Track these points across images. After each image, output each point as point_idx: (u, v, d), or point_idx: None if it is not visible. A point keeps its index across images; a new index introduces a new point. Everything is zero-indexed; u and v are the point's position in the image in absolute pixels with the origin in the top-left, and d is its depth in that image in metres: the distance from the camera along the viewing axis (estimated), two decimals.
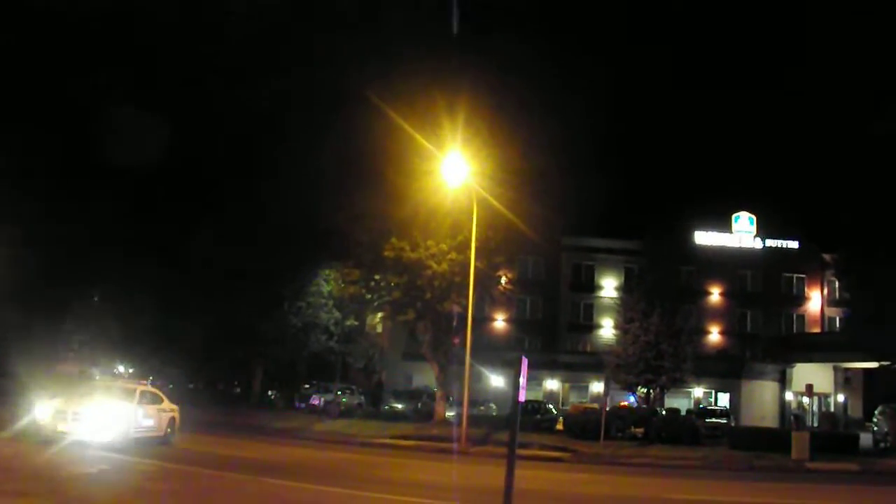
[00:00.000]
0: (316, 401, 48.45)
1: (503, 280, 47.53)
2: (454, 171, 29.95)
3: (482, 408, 49.08)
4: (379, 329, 60.42)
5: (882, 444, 40.95)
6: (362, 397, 54.04)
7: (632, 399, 51.32)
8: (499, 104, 36.30)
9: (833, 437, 39.73)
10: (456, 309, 39.63)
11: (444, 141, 31.66)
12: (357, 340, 57.70)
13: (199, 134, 46.70)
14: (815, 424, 51.30)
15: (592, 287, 73.28)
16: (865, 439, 40.76)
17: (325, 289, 50.03)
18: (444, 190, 33.39)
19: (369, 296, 43.63)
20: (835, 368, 59.47)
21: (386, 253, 39.66)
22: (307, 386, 52.69)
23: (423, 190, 35.10)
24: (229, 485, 17.28)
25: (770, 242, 74.10)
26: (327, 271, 48.87)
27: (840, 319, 73.18)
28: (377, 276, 42.33)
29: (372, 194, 38.39)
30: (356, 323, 53.69)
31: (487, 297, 46.82)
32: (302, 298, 50.13)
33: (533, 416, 45.60)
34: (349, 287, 44.20)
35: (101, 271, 48.73)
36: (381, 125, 35.22)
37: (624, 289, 62.89)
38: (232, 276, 47.59)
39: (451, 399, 45.56)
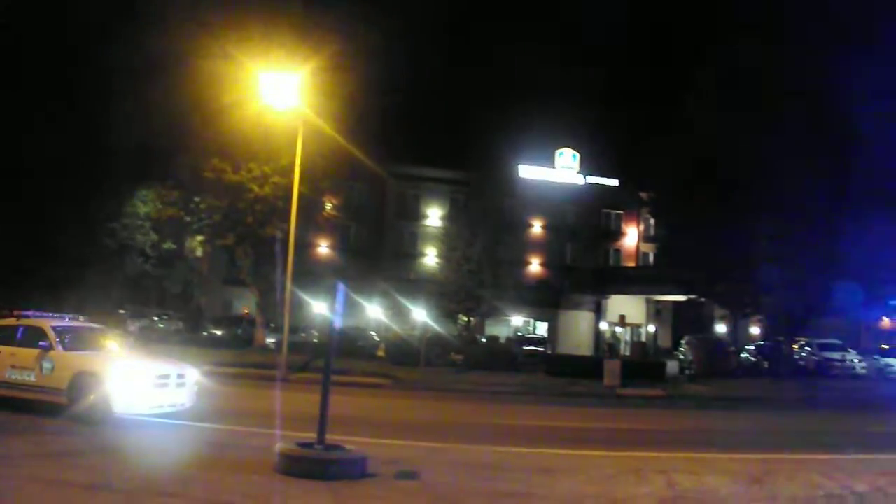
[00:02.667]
0: (130, 328, 46.77)
1: (328, 206, 46.92)
2: (280, 93, 28.98)
3: (303, 335, 48.52)
4: (198, 253, 58.66)
5: (687, 372, 43.07)
6: (180, 323, 52.55)
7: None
8: (333, 31, 35.34)
9: (643, 364, 41.34)
10: (278, 234, 38.76)
11: (272, 63, 30.61)
12: (175, 264, 55.90)
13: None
14: (627, 353, 53.30)
15: (417, 215, 73.49)
16: (672, 367, 42.66)
17: (142, 210, 47.98)
18: (269, 112, 32.38)
19: (188, 218, 42.24)
20: (647, 300, 61.88)
21: (206, 174, 38.34)
22: (121, 311, 50.77)
23: (248, 111, 33.94)
24: None
25: (591, 179, 76.03)
26: (145, 191, 46.81)
27: (653, 255, 76.12)
28: (197, 198, 41.02)
29: (193, 113, 36.84)
30: (174, 246, 51.82)
31: (311, 222, 46.01)
32: (117, 219, 47.95)
33: (354, 343, 45.56)
34: (167, 209, 42.70)
35: None
36: (208, 43, 33.84)
37: (448, 218, 63.41)
38: (43, 195, 44.98)
39: (271, 326, 44.92)
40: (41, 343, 15.74)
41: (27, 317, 17.08)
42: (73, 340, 16.31)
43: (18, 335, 16.31)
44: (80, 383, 15.04)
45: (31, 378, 15.59)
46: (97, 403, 14.80)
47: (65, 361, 15.47)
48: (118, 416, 14.70)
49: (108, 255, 47.69)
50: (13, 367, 15.83)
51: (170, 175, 41.98)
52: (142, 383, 15.18)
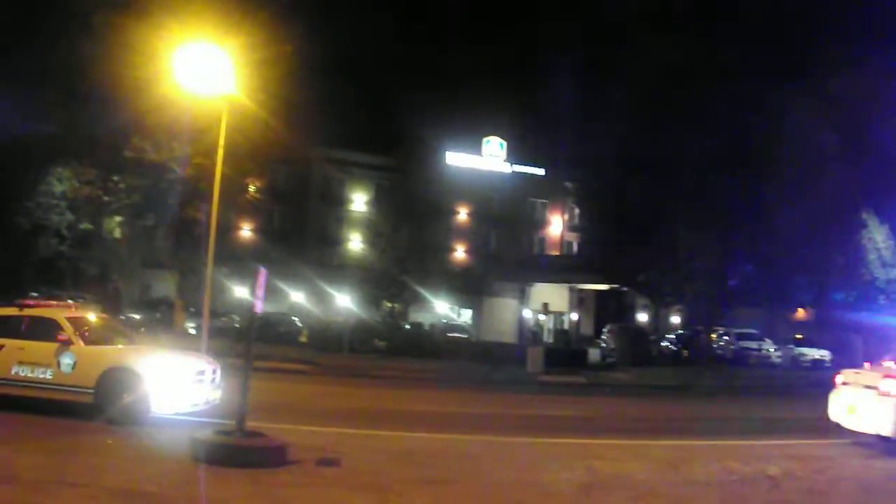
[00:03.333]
0: None
1: (251, 188, 46.31)
2: (205, 72, 28.43)
3: (224, 319, 47.94)
4: (117, 234, 57.39)
5: (608, 359, 43.62)
6: (97, 306, 51.48)
7: None
8: (261, 10, 34.75)
9: (565, 352, 41.74)
10: (200, 216, 38.12)
11: (196, 40, 29.96)
12: (92, 246, 54.67)
13: None
14: (550, 340, 53.78)
15: (343, 200, 73.04)
16: (594, 354, 43.21)
17: (58, 188, 46.75)
18: (193, 92, 31.75)
19: (107, 198, 41.24)
20: (570, 289, 62.47)
21: (126, 153, 37.49)
22: (35, 294, 49.51)
23: (170, 90, 33.22)
24: None
25: (517, 168, 76.33)
26: (61, 170, 45.60)
27: (577, 244, 76.85)
28: (115, 178, 40.11)
29: (112, 90, 35.94)
30: (91, 227, 50.61)
31: (234, 205, 45.37)
32: (31, 198, 46.66)
33: (277, 329, 45.20)
34: (84, 188, 41.60)
35: None
36: (128, 18, 33.03)
37: (374, 204, 63.20)
38: None
39: (191, 310, 44.25)
40: (59, 337, 14.02)
41: (33, 306, 15.46)
42: (92, 333, 14.79)
43: (25, 327, 14.53)
44: (111, 381, 13.64)
45: (46, 375, 13.87)
46: (134, 402, 13.50)
47: (91, 357, 13.97)
48: (157, 416, 13.62)
49: (21, 235, 46.54)
50: (21, 362, 14.08)
51: (88, 153, 40.91)
52: (182, 380, 14.01)
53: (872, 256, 47.02)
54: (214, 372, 14.78)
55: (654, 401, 26.66)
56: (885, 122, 42.29)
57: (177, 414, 13.88)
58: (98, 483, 9.48)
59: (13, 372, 14.01)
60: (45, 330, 14.31)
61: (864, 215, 46.99)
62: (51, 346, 13.99)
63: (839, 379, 15.44)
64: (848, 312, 48.39)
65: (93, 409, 13.57)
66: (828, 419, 15.16)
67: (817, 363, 47.21)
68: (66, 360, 13.85)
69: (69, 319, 14.53)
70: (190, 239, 38.70)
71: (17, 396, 13.99)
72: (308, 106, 40.75)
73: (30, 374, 13.96)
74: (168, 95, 33.37)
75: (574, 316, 63.81)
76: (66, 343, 13.98)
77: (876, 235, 47.03)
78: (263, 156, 41.60)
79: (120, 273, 60.89)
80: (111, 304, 52.85)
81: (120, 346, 15.02)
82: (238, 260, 46.76)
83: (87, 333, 14.50)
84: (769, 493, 10.74)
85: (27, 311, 14.90)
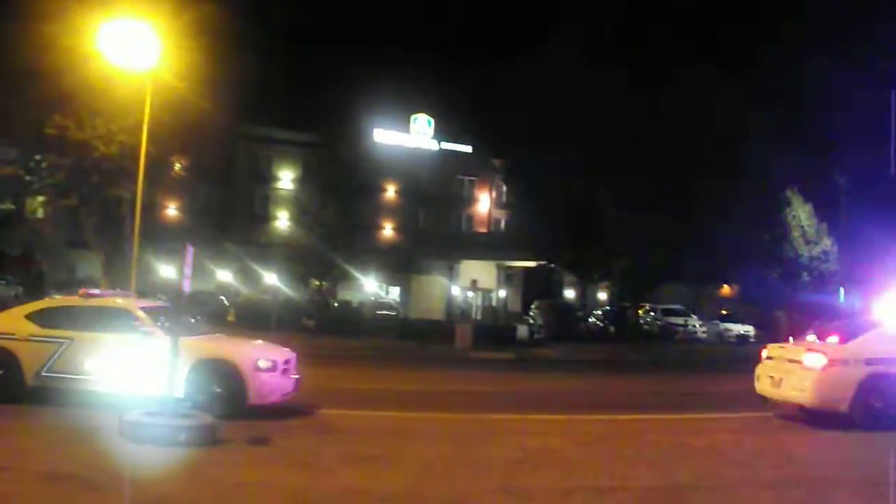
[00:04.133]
0: None
1: (177, 167, 45.56)
2: (129, 47, 27.82)
3: (151, 299, 47.19)
4: (40, 214, 56.19)
5: (536, 336, 43.99)
6: (20, 288, 50.29)
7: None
8: None
9: (494, 329, 41.99)
10: (125, 195, 37.40)
11: (120, 14, 29.28)
12: (14, 226, 53.46)
13: None
14: (479, 317, 54.00)
15: (270, 178, 72.31)
16: (522, 331, 43.52)
17: None
18: (117, 67, 31.04)
19: (29, 178, 40.28)
20: (498, 266, 62.63)
21: (48, 131, 36.60)
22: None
23: (93, 66, 32.46)
24: None
25: (445, 145, 76.27)
26: None
27: (505, 221, 77.20)
28: (38, 157, 39.16)
29: (34, 66, 35.00)
30: (13, 207, 49.57)
31: (159, 183, 44.61)
32: None
33: (204, 308, 44.67)
34: (5, 167, 40.63)
35: None
36: None
37: (302, 181, 62.66)
38: None
39: (117, 290, 43.48)
40: (143, 329, 13.50)
41: (98, 295, 14.71)
42: (169, 324, 13.80)
43: (94, 318, 13.84)
44: (203, 373, 13.16)
45: (127, 369, 13.30)
46: (229, 395, 13.09)
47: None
48: (252, 408, 13.18)
49: None
50: (94, 356, 13.39)
51: (8, 132, 39.86)
52: (276, 370, 13.61)
53: (796, 234, 48.15)
54: (291, 362, 14.34)
55: (581, 376, 26.92)
56: (809, 103, 43.21)
57: (271, 405, 13.53)
58: (24, 466, 9.32)
59: (86, 367, 13.40)
60: (116, 321, 13.85)
61: (789, 194, 48.05)
62: (130, 338, 13.48)
63: (764, 353, 15.79)
64: (772, 289, 49.52)
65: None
66: (753, 392, 15.50)
67: (742, 338, 48.30)
68: (150, 353, 13.18)
69: (143, 310, 14.08)
70: (115, 218, 37.99)
71: (91, 391, 13.44)
72: (235, 83, 40.16)
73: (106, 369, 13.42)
74: (92, 71, 32.63)
75: (502, 293, 64.10)
76: (149, 335, 13.48)
77: (800, 213, 48.13)
78: (189, 133, 40.97)
79: (43, 254, 59.52)
80: (34, 285, 51.76)
81: (208, 337, 14.62)
82: (165, 239, 46.10)
83: (166, 324, 13.83)
84: (696, 465, 10.94)
85: (95, 302, 14.29)
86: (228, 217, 69.20)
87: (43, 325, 13.72)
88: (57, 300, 14.76)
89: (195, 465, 9.85)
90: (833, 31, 46.70)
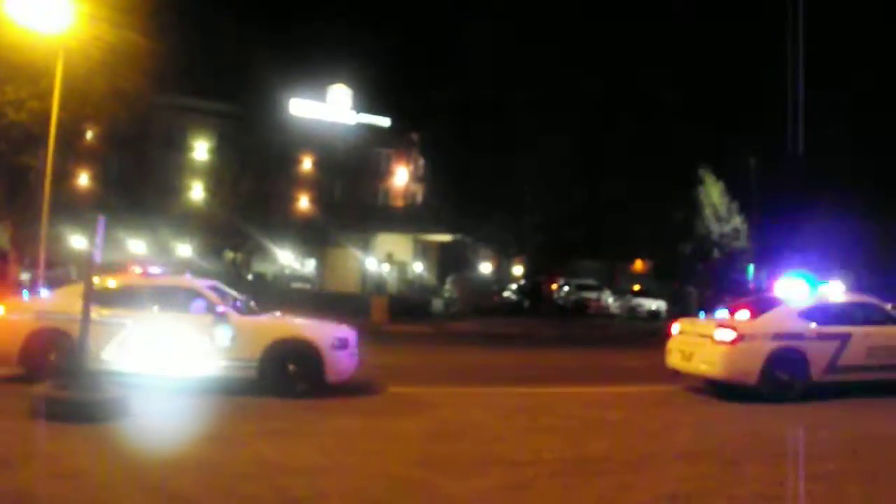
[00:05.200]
0: None
1: (88, 135, 44.44)
2: (39, 11, 26.96)
3: (61, 270, 46.12)
4: None
5: (451, 309, 44.19)
6: None
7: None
8: None
9: (409, 302, 42.08)
10: (35, 163, 36.36)
11: None
12: None
13: None
14: (395, 291, 54.11)
15: (184, 147, 70.88)
16: (438, 304, 43.71)
17: None
18: (29, 30, 30.04)
19: None
20: (414, 239, 62.85)
21: None
22: None
23: (3, 29, 31.36)
24: None
25: (363, 117, 75.66)
26: None
27: (422, 195, 77.13)
28: None
29: None
30: None
31: (71, 151, 43.46)
32: None
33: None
34: None
35: None
36: None
37: (216, 151, 61.66)
38: None
39: (26, 261, 42.39)
40: (217, 309, 13.40)
41: (158, 274, 14.35)
42: (234, 304, 14.19)
43: (155, 297, 13.78)
44: (280, 353, 13.24)
45: (200, 350, 13.19)
46: (308, 373, 13.26)
47: (252, 329, 13.54)
48: (329, 387, 13.36)
49: None
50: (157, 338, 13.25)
51: None
52: (349, 349, 13.88)
53: (708, 211, 49.14)
54: (356, 339, 14.42)
55: (497, 350, 27.13)
56: (723, 82, 44.01)
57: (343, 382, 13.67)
58: None
59: (149, 348, 13.21)
60: (179, 301, 13.77)
61: (701, 172, 48.97)
62: (201, 319, 13.36)
63: (676, 328, 16.08)
64: (684, 265, 50.55)
65: (253, 382, 13.15)
66: (665, 366, 15.77)
67: (654, 314, 49.16)
68: (224, 334, 13.23)
69: (211, 289, 14.08)
70: (24, 188, 36.89)
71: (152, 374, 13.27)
72: (150, 51, 39.21)
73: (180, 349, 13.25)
74: (1, 36, 31.44)
75: (418, 266, 64.28)
76: (222, 315, 13.39)
77: (712, 191, 49.11)
78: (102, 101, 39.92)
79: None
80: None
81: (282, 316, 14.97)
82: (76, 209, 44.98)
83: (237, 304, 14.14)
84: (610, 437, 11.12)
85: (158, 281, 14.13)
86: (142, 188, 67.65)
87: (102, 305, 13.22)
88: (119, 279, 14.30)
89: (98, 440, 9.64)
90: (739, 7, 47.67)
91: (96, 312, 12.63)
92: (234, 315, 13.57)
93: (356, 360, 14.26)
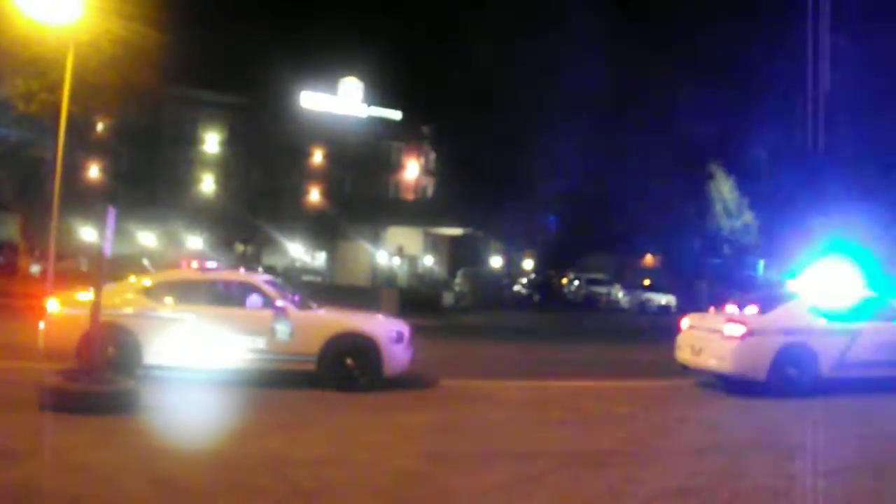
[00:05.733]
0: None
1: (99, 127, 44.55)
2: (52, 1, 26.99)
3: (72, 262, 46.25)
4: None
5: (461, 303, 44.20)
6: None
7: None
8: None
9: (419, 295, 42.04)
10: (45, 155, 36.48)
11: None
12: None
13: None
14: (405, 284, 54.08)
15: (195, 140, 70.99)
16: (448, 298, 43.71)
17: None
18: (38, 24, 30.08)
19: None
20: (425, 233, 62.78)
21: None
22: None
23: (14, 21, 31.42)
24: None
25: (374, 110, 75.68)
26: None
27: (433, 188, 77.16)
28: None
29: None
30: None
31: (82, 144, 43.59)
32: None
33: (126, 272, 43.88)
34: None
35: None
36: None
37: (227, 144, 61.73)
38: None
39: (36, 253, 42.53)
40: (277, 304, 13.44)
41: (216, 269, 14.67)
42: (293, 298, 14.22)
43: (215, 292, 13.85)
44: (340, 347, 13.34)
45: (258, 344, 13.22)
46: (367, 367, 13.36)
47: (312, 323, 13.61)
48: (386, 380, 13.48)
49: None
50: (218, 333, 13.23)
51: None
52: (405, 342, 14.02)
53: (718, 207, 49.04)
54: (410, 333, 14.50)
55: (507, 343, 27.08)
56: (734, 77, 43.88)
57: (400, 376, 13.83)
58: None
59: (209, 344, 13.23)
60: (238, 296, 13.85)
61: (712, 167, 48.86)
62: (260, 314, 13.42)
63: (685, 322, 16.05)
64: (694, 260, 50.46)
65: (312, 376, 13.24)
66: (674, 361, 15.75)
67: (663, 308, 49.10)
68: (283, 328, 13.31)
69: (269, 283, 14.22)
70: (35, 180, 37.05)
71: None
72: (161, 43, 39.29)
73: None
74: (12, 27, 31.52)
75: (428, 260, 64.27)
76: (282, 310, 13.44)
77: (722, 187, 48.99)
78: (113, 93, 39.99)
79: None
80: None
81: (340, 311, 14.82)
82: (86, 201, 45.11)
83: (296, 298, 14.21)
84: (619, 431, 11.10)
85: (217, 276, 14.35)
86: (152, 180, 67.81)
87: (159, 301, 13.43)
88: (175, 273, 14.55)
89: (110, 434, 9.65)
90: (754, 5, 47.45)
91: (157, 308, 13.01)
92: (292, 309, 13.62)
93: (410, 354, 14.31)
